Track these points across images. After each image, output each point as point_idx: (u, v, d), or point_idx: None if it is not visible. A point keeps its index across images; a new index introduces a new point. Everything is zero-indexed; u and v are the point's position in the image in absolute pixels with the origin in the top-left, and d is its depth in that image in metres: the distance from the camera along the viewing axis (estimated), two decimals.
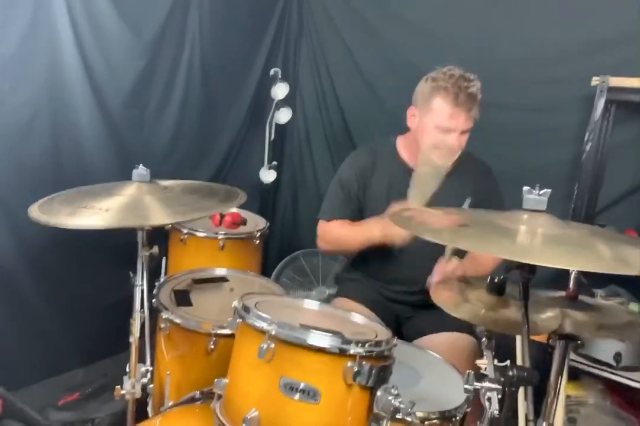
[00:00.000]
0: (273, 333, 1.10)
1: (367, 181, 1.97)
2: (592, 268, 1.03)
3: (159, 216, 1.47)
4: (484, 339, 1.30)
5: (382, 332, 1.25)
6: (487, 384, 1.16)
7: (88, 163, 2.28)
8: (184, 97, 2.63)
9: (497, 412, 1.15)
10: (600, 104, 2.11)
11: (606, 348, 1.94)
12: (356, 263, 2.11)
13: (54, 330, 2.28)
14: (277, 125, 3.02)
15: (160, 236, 2.09)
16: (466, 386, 1.19)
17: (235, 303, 1.23)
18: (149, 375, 1.64)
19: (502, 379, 1.11)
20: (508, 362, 1.17)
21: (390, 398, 1.11)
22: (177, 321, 1.59)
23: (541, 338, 1.38)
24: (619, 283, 2.10)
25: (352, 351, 1.09)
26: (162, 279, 1.85)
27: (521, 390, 1.22)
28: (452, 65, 1.84)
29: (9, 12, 1.94)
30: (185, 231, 2.18)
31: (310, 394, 1.09)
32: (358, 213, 1.98)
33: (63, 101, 2.17)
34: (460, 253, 1.85)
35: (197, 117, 2.71)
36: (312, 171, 3.15)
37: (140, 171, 1.60)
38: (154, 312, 1.64)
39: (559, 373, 1.33)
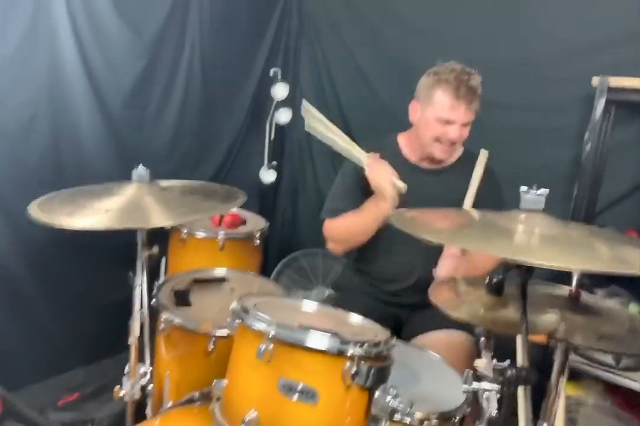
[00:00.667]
0: (272, 333, 1.10)
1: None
2: (591, 267, 1.03)
3: (159, 218, 1.47)
4: (482, 339, 1.30)
5: (381, 333, 1.25)
6: (485, 384, 1.16)
7: (88, 163, 2.29)
8: (184, 97, 2.63)
9: (496, 412, 1.15)
10: (600, 104, 2.11)
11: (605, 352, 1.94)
12: (354, 265, 2.11)
13: (54, 330, 2.28)
14: (277, 125, 3.02)
15: (160, 236, 2.08)
16: (465, 386, 1.19)
17: (234, 304, 1.23)
18: (148, 376, 1.64)
19: (501, 379, 1.12)
20: (508, 362, 1.17)
21: (389, 398, 1.11)
22: (177, 321, 1.59)
23: (541, 339, 1.38)
24: (619, 283, 2.10)
25: (350, 352, 1.09)
26: (161, 280, 1.85)
27: (522, 390, 1.22)
28: (453, 61, 1.86)
29: (9, 12, 1.94)
30: (185, 231, 2.18)
31: (308, 395, 1.09)
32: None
33: (63, 101, 2.18)
34: None
35: (197, 117, 2.71)
36: (312, 171, 3.14)
37: (140, 171, 1.60)
38: (154, 312, 1.64)
39: (560, 373, 1.33)
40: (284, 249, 3.08)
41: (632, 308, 2.00)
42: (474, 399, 1.26)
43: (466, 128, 1.86)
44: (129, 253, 1.61)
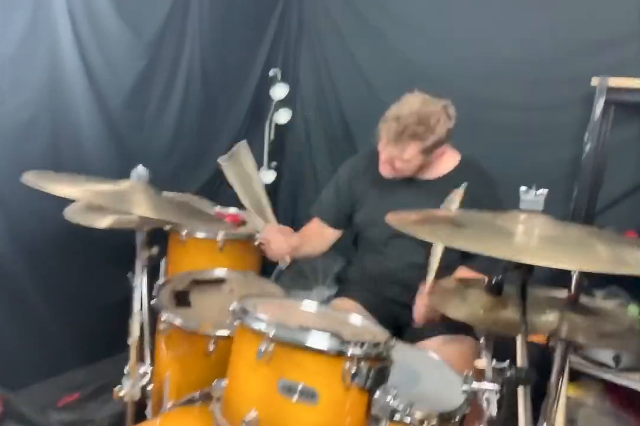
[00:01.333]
0: (271, 334, 1.11)
1: (360, 186, 2.03)
2: (590, 267, 1.03)
3: (142, 209, 1.48)
4: (482, 339, 1.30)
5: (381, 333, 1.26)
6: (485, 384, 1.16)
7: (88, 163, 2.28)
8: (184, 97, 2.63)
9: (496, 412, 1.15)
10: (600, 104, 2.11)
11: (605, 349, 1.94)
12: (354, 266, 2.12)
13: (54, 330, 2.28)
14: (277, 125, 3.02)
15: (160, 236, 2.09)
16: (464, 386, 1.19)
17: (234, 305, 1.23)
18: (148, 376, 1.64)
19: (501, 379, 1.12)
20: (507, 362, 1.17)
21: (388, 399, 1.11)
22: (177, 322, 1.58)
23: (541, 339, 1.38)
24: (619, 283, 2.10)
25: (350, 353, 1.09)
26: (161, 280, 1.85)
27: (522, 390, 1.22)
28: (416, 91, 1.87)
29: (9, 12, 1.94)
30: (184, 231, 2.18)
31: (308, 395, 1.09)
32: (346, 217, 2.08)
33: (63, 101, 2.17)
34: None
35: (197, 117, 2.71)
36: (312, 171, 3.15)
37: (140, 170, 1.60)
38: (154, 313, 1.64)
39: (560, 373, 1.32)
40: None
41: (632, 308, 2.00)
42: (474, 399, 1.26)
43: (397, 163, 1.87)
44: (129, 253, 1.61)
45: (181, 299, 1.71)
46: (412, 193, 1.94)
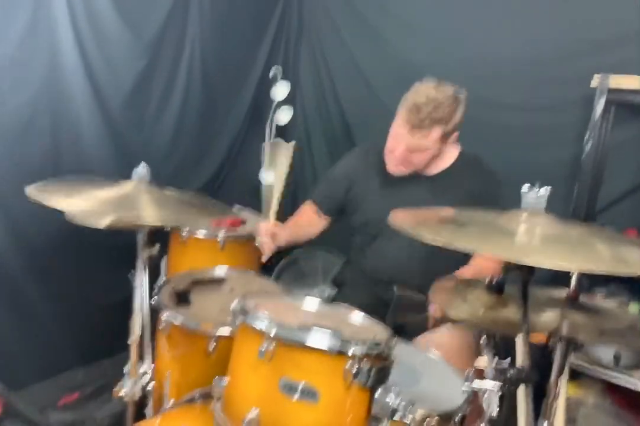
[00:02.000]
0: (273, 333, 1.11)
1: (355, 183, 2.04)
2: (591, 268, 1.03)
3: (150, 214, 1.49)
4: (483, 338, 1.30)
5: (382, 332, 1.26)
6: (486, 384, 1.16)
7: (88, 163, 2.28)
8: (184, 97, 2.63)
9: (497, 412, 1.15)
10: (600, 104, 2.11)
11: (606, 348, 1.94)
12: (353, 265, 2.11)
13: (54, 330, 2.27)
14: (277, 125, 3.02)
15: (160, 236, 2.09)
16: (466, 385, 1.19)
17: (234, 304, 1.23)
18: (148, 375, 1.64)
19: (501, 378, 1.12)
20: (508, 360, 1.17)
21: (389, 398, 1.11)
22: (177, 321, 1.58)
23: (541, 339, 1.38)
24: (619, 282, 2.10)
25: (351, 351, 1.09)
26: (162, 280, 1.85)
27: (522, 390, 1.22)
28: (433, 79, 1.89)
29: (9, 12, 1.94)
30: (185, 231, 2.18)
31: (309, 394, 1.09)
32: (337, 203, 2.10)
33: (63, 101, 2.17)
34: None
35: (197, 117, 2.71)
36: (312, 171, 3.15)
37: (141, 169, 1.60)
38: (154, 312, 1.64)
39: (560, 373, 1.33)
40: (284, 249, 3.07)
41: (632, 307, 2.00)
42: (474, 399, 1.26)
43: (416, 154, 1.87)
44: (129, 253, 1.61)
45: (182, 298, 1.71)
46: (414, 190, 1.94)
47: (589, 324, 1.26)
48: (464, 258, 1.90)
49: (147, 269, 1.62)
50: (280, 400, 1.11)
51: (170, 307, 1.65)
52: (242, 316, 1.18)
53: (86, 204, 1.46)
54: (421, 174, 1.97)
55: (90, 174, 2.24)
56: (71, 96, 2.19)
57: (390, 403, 1.12)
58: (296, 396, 1.09)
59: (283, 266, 2.92)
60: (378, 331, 1.27)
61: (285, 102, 2.97)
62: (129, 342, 1.62)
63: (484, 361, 1.23)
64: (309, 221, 2.17)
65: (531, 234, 1.14)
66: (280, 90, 2.93)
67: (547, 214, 1.19)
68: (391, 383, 1.13)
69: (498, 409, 1.15)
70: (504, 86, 2.35)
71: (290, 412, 1.11)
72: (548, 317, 1.30)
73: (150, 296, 1.65)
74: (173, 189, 1.74)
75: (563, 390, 1.88)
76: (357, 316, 1.35)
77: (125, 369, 1.64)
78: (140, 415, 1.66)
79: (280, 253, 3.01)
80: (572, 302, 1.32)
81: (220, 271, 1.93)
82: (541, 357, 1.58)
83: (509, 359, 1.18)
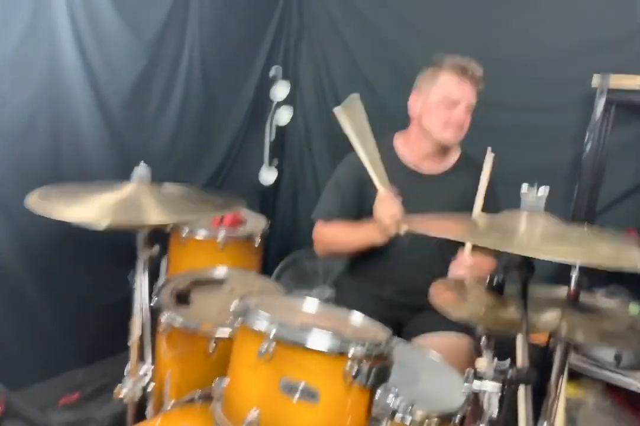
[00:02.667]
0: (272, 334, 1.10)
1: (364, 182, 1.95)
2: (591, 261, 1.04)
3: (154, 215, 1.48)
4: (483, 338, 1.30)
5: (382, 332, 1.25)
6: (486, 384, 1.16)
7: (88, 163, 2.28)
8: (184, 97, 2.63)
9: (497, 412, 1.15)
10: (600, 104, 2.11)
11: (606, 348, 1.94)
12: (354, 267, 2.10)
13: (54, 330, 2.27)
14: (277, 125, 3.02)
15: (160, 236, 2.09)
16: (465, 386, 1.19)
17: (234, 304, 1.23)
18: (149, 375, 1.64)
19: (501, 379, 1.12)
20: (508, 360, 1.17)
21: (389, 398, 1.11)
22: (177, 321, 1.58)
23: (541, 339, 1.38)
24: (619, 282, 2.11)
25: (351, 352, 1.09)
26: (162, 280, 1.85)
27: (522, 390, 1.23)
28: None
29: (9, 12, 1.94)
30: (185, 231, 2.18)
31: (310, 394, 1.09)
32: (355, 213, 1.96)
33: (63, 101, 2.17)
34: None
35: (197, 117, 2.71)
36: (312, 171, 3.15)
37: (141, 169, 1.60)
38: (154, 313, 1.64)
39: (560, 373, 1.33)
40: (284, 249, 3.08)
41: (632, 307, 2.00)
42: (474, 399, 1.26)
43: (469, 114, 1.86)
44: (129, 253, 1.61)
45: (182, 298, 1.71)
46: (421, 191, 1.92)
47: (589, 325, 1.26)
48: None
49: (147, 270, 1.62)
50: (280, 401, 1.10)
51: (170, 307, 1.65)
52: (242, 316, 1.18)
53: (88, 211, 1.45)
54: (426, 174, 1.96)
55: (90, 175, 2.25)
56: (71, 96, 2.19)
57: (390, 404, 1.12)
58: (296, 396, 1.09)
59: (283, 267, 2.92)
60: (378, 331, 1.27)
61: (285, 102, 2.97)
62: (129, 343, 1.62)
63: (484, 362, 1.23)
64: None
65: (531, 233, 1.15)
66: (280, 90, 2.93)
67: (546, 214, 1.20)
68: (391, 384, 1.13)
69: (498, 410, 1.15)
70: (504, 86, 2.34)
71: (290, 413, 1.11)
72: (548, 317, 1.30)
73: (150, 297, 1.65)
74: (175, 185, 1.74)
75: (563, 391, 1.88)
76: (357, 317, 1.35)
77: (126, 369, 1.64)
78: (140, 415, 1.66)
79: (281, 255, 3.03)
80: (572, 302, 1.33)
81: (220, 271, 1.93)
82: (541, 357, 1.58)
83: (509, 359, 1.18)
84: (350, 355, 1.09)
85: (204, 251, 2.20)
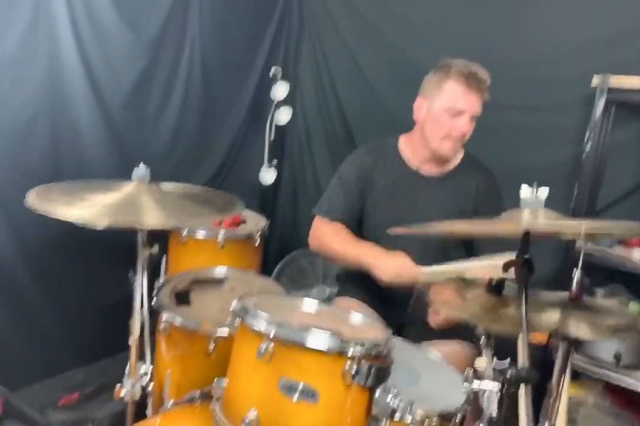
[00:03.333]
0: (272, 334, 1.11)
1: (368, 182, 1.95)
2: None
3: (153, 218, 1.47)
4: (483, 338, 1.30)
5: (381, 332, 1.25)
6: (485, 384, 1.16)
7: (88, 163, 2.28)
8: (184, 97, 2.63)
9: (496, 412, 1.15)
10: (600, 104, 2.12)
11: (606, 347, 1.94)
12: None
13: (54, 330, 2.27)
14: (277, 125, 3.02)
15: (160, 236, 2.09)
16: (465, 385, 1.19)
17: (234, 304, 1.23)
18: (148, 375, 1.64)
19: (501, 379, 1.12)
20: (508, 360, 1.17)
21: (389, 398, 1.11)
22: (177, 321, 1.58)
23: (542, 339, 1.38)
24: (619, 281, 2.11)
25: (350, 352, 1.09)
26: (162, 280, 1.85)
27: (522, 390, 1.22)
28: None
29: (9, 12, 1.94)
30: (185, 231, 2.18)
31: (309, 394, 1.09)
32: (357, 213, 1.97)
33: (63, 101, 2.17)
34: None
35: (197, 117, 2.71)
36: (312, 171, 3.15)
37: (141, 170, 1.60)
38: (154, 312, 1.64)
39: (562, 372, 1.32)
40: (284, 248, 3.08)
41: (632, 306, 2.00)
42: (474, 399, 1.26)
43: (473, 123, 1.84)
44: (129, 253, 1.61)
45: (181, 298, 1.71)
46: (423, 192, 1.92)
47: (590, 324, 1.26)
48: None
49: (146, 270, 1.61)
50: (280, 400, 1.10)
51: (170, 307, 1.65)
52: (241, 316, 1.18)
53: (87, 212, 1.45)
54: (428, 176, 1.96)
55: (90, 174, 2.25)
56: (71, 96, 2.19)
57: (390, 404, 1.12)
58: (296, 396, 1.09)
59: (283, 266, 2.92)
60: (377, 331, 1.27)
61: (285, 102, 2.97)
62: (129, 342, 1.62)
63: (483, 362, 1.23)
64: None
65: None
66: (280, 90, 2.93)
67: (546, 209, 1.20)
68: (391, 383, 1.13)
69: (498, 409, 1.15)
70: (504, 86, 2.33)
71: (290, 412, 1.11)
72: (548, 317, 1.30)
73: (150, 296, 1.65)
74: (175, 184, 1.74)
75: (566, 390, 1.88)
76: (357, 317, 1.35)
77: (125, 369, 1.64)
78: (140, 415, 1.66)
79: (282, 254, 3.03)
80: (572, 302, 1.32)
81: (220, 270, 1.93)
82: (541, 357, 1.58)
83: (509, 359, 1.18)
84: (349, 355, 1.09)
85: (204, 250, 2.20)
